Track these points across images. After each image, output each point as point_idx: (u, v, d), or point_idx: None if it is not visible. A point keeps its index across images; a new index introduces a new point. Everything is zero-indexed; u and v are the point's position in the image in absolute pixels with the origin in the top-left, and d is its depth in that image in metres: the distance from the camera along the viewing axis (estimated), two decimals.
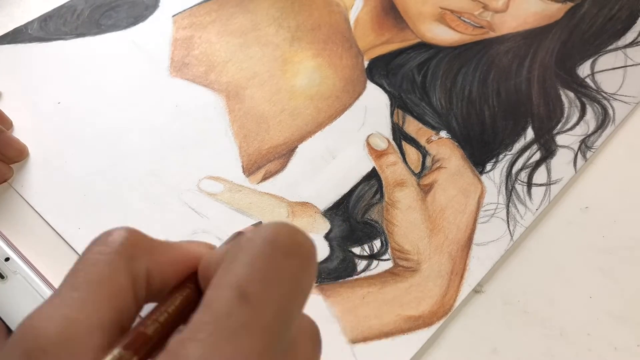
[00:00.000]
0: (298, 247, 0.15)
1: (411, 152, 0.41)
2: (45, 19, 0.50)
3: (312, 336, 0.16)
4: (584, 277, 0.35)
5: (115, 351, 0.14)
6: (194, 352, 0.13)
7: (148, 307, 0.17)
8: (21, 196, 0.38)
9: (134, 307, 0.16)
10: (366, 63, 0.47)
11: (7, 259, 0.33)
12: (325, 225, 0.37)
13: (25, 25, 0.49)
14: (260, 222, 0.32)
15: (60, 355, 0.14)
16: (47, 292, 0.32)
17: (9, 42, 0.48)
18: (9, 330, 0.30)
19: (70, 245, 0.36)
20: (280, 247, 0.15)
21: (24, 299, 0.31)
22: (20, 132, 0.41)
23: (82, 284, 0.15)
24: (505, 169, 0.40)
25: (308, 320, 0.16)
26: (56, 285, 0.33)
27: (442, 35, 0.49)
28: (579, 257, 0.36)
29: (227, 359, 0.13)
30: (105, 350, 0.14)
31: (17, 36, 0.49)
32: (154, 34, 0.49)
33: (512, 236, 0.37)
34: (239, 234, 0.19)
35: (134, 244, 0.16)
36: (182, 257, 0.17)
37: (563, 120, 0.43)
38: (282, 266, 0.15)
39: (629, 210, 0.38)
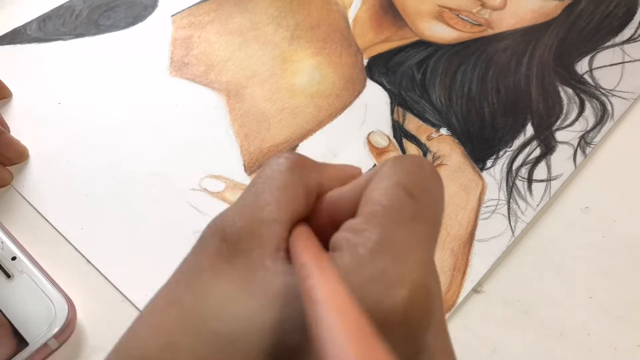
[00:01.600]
0: (437, 172, 0.18)
1: (412, 149, 0.41)
2: (44, 19, 0.50)
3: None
4: (584, 277, 0.35)
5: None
6: (372, 235, 0.15)
7: None
8: (23, 197, 0.38)
9: (304, 212, 0.18)
10: (365, 61, 0.47)
11: (14, 258, 0.33)
12: None
13: (24, 26, 0.49)
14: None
15: (251, 241, 0.16)
16: (53, 292, 0.32)
17: (8, 43, 0.48)
18: (13, 330, 0.30)
19: (73, 245, 0.36)
20: (427, 166, 0.17)
21: (29, 298, 0.31)
22: (21, 133, 0.41)
23: (264, 192, 0.17)
24: (505, 166, 0.40)
25: None
26: (62, 285, 0.33)
27: (441, 33, 0.49)
28: (579, 257, 0.36)
29: (403, 241, 0.15)
30: (286, 240, 0.17)
31: (16, 37, 0.49)
32: (153, 34, 0.49)
33: (513, 232, 0.37)
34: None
35: (303, 163, 0.19)
36: (343, 174, 0.20)
37: (562, 117, 0.43)
38: (431, 181, 0.17)
39: (629, 210, 0.38)
